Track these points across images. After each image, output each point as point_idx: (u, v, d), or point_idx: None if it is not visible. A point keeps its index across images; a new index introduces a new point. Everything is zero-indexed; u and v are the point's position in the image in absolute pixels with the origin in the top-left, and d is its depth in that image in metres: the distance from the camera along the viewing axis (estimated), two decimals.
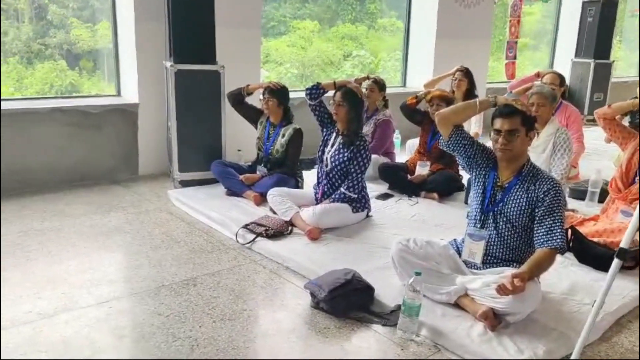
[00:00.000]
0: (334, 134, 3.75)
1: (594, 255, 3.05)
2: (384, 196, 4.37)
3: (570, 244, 3.16)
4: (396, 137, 6.07)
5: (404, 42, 7.31)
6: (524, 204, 2.54)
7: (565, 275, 2.95)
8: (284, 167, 4.19)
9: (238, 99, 4.30)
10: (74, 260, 3.10)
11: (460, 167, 3.36)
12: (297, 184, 4.22)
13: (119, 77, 5.02)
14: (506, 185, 2.63)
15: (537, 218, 2.50)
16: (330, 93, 3.77)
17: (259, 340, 2.37)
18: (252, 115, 4.37)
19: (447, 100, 4.28)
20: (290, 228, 3.52)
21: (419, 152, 4.69)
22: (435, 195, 4.31)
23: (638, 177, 3.27)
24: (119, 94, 5.05)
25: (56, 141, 4.49)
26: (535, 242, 2.49)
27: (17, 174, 4.31)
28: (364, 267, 2.92)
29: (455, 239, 2.86)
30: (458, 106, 2.84)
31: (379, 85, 4.96)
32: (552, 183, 2.52)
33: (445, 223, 3.77)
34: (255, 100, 4.45)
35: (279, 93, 4.17)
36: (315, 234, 3.41)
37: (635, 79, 10.04)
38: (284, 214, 3.62)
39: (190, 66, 4.32)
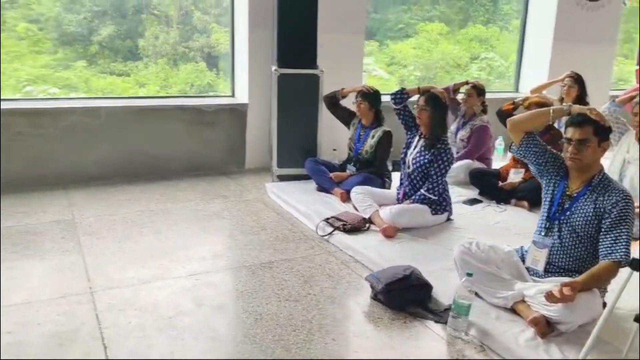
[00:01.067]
0: (417, 137, 3.86)
1: None
2: (472, 201, 4.37)
3: None
4: (499, 144, 5.97)
5: (519, 45, 7.09)
6: (590, 214, 2.49)
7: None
8: (372, 167, 4.38)
9: (333, 101, 4.58)
10: (175, 239, 3.57)
11: None
12: (384, 184, 4.37)
13: (234, 79, 5.54)
14: (575, 195, 2.58)
15: (603, 230, 2.44)
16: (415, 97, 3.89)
17: (315, 321, 2.59)
18: (345, 116, 4.61)
19: (545, 107, 4.15)
20: (368, 225, 3.70)
21: (513, 159, 4.60)
22: (525, 203, 4.22)
23: None
24: (233, 94, 5.58)
25: (177, 135, 5.10)
26: (600, 254, 2.44)
27: (145, 163, 4.98)
28: (431, 267, 3.02)
29: (522, 246, 2.86)
30: (531, 113, 2.82)
31: (478, 90, 4.94)
32: (622, 195, 2.44)
33: (528, 232, 3.67)
34: (350, 103, 4.68)
35: (370, 96, 4.37)
36: (390, 232, 3.55)
37: None
38: (364, 211, 3.81)
39: (292, 70, 4.67)
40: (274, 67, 4.72)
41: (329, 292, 2.90)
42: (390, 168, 4.70)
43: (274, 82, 4.69)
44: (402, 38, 7.68)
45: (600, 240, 2.45)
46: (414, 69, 7.78)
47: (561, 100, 5.47)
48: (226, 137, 5.31)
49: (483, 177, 4.57)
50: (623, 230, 2.38)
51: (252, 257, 3.30)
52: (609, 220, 2.42)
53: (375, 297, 2.79)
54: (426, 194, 3.74)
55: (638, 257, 2.04)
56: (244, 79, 5.30)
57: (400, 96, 3.87)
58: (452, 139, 5.10)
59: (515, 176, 4.44)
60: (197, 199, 4.42)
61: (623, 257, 2.33)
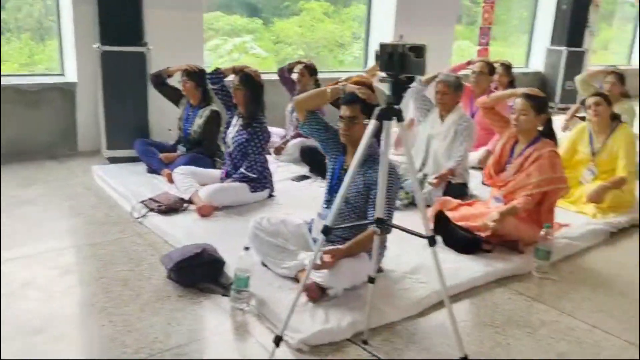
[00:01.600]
0: (236, 116, 3.92)
1: (457, 238, 3.19)
2: (300, 178, 4.52)
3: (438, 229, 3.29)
4: None
5: (365, 26, 7.38)
6: (360, 186, 2.69)
7: (421, 256, 3.08)
8: (201, 147, 4.37)
9: (159, 81, 4.48)
10: None
11: None
12: (214, 164, 4.39)
13: (62, 56, 5.22)
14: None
15: (370, 200, 2.65)
16: None
17: (99, 304, 2.54)
18: (172, 96, 4.55)
19: (365, 85, 4.37)
20: (185, 205, 3.70)
21: None
22: None
23: (508, 165, 3.36)
24: (63, 73, 5.27)
25: None
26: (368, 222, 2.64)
27: None
28: (234, 243, 3.05)
29: (313, 218, 3.02)
30: (311, 93, 2.96)
31: (310, 69, 5.08)
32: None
33: None
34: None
35: (195, 75, 4.34)
36: (206, 211, 3.59)
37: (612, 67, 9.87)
38: (185, 192, 3.80)
39: (117, 48, 4.51)
40: (96, 44, 4.52)
41: (123, 274, 2.87)
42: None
43: (98, 60, 4.50)
44: (288, 16, 7.65)
45: (368, 210, 2.66)
46: (297, 47, 7.81)
47: None
48: (55, 118, 5.02)
49: (312, 154, 4.72)
50: (386, 200, 2.59)
51: (52, 245, 3.18)
52: (375, 191, 2.63)
53: (169, 276, 2.82)
54: (245, 172, 3.82)
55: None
56: (72, 56, 5.02)
57: (216, 76, 3.89)
58: (290, 118, 5.23)
59: None
60: (12, 186, 4.15)
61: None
